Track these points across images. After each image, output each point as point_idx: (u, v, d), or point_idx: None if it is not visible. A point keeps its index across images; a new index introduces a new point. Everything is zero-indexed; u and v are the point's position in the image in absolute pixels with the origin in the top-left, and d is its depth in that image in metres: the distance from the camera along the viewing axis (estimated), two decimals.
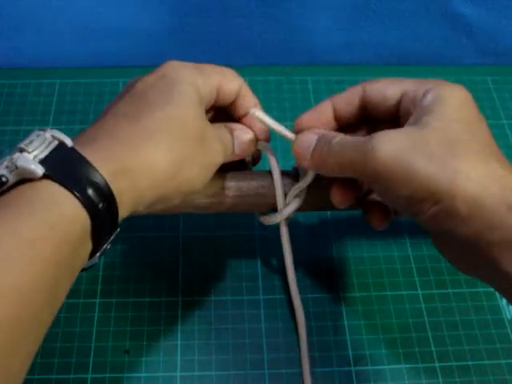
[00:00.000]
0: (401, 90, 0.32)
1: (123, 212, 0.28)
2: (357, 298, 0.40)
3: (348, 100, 0.34)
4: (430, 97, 0.30)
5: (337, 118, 0.34)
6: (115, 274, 0.41)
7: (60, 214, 0.24)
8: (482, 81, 0.54)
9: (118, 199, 0.27)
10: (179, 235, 0.43)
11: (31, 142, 0.26)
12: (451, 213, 0.27)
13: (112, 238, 0.28)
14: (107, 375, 0.36)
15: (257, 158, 0.38)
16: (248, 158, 0.38)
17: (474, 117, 0.30)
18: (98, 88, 0.52)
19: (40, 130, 0.27)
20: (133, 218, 0.42)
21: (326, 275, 0.41)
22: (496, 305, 0.40)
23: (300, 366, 0.37)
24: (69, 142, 0.27)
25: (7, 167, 0.25)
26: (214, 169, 0.32)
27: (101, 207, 0.26)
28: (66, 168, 0.25)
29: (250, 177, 0.37)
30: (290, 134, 0.34)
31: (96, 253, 0.27)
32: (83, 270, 0.28)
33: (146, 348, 0.38)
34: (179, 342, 0.38)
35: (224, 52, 0.54)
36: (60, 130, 0.27)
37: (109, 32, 0.52)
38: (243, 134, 0.35)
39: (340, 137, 0.31)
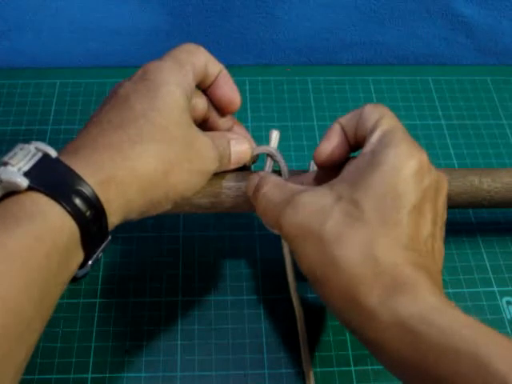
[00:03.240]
0: (378, 116, 0.31)
1: (113, 220, 0.28)
2: None
3: (353, 121, 0.32)
4: (375, 135, 0.30)
5: (349, 139, 0.33)
6: (115, 273, 0.41)
7: (46, 223, 0.24)
8: (482, 81, 0.54)
9: (106, 208, 0.26)
10: (179, 235, 0.43)
11: (15, 155, 0.26)
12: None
13: (103, 246, 0.28)
14: (107, 375, 0.36)
15: (255, 158, 0.38)
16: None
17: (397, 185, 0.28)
18: (98, 88, 0.52)
19: (24, 143, 0.27)
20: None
21: None
22: (496, 305, 0.40)
23: (300, 365, 0.37)
24: (53, 152, 0.27)
25: None
26: (206, 176, 0.32)
27: (88, 215, 0.26)
28: (50, 178, 0.25)
29: (249, 177, 0.37)
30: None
31: (87, 261, 0.27)
32: (77, 279, 0.29)
33: (146, 348, 0.38)
34: (179, 342, 0.38)
35: (224, 52, 0.54)
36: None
37: (109, 32, 0.52)
38: (239, 144, 0.35)
39: (268, 187, 0.31)
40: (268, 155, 0.36)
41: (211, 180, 0.36)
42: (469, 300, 0.41)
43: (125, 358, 0.37)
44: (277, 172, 0.37)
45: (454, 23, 0.53)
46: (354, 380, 0.37)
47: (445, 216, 0.31)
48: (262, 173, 0.34)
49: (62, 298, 0.39)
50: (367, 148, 0.30)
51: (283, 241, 0.38)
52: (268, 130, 0.38)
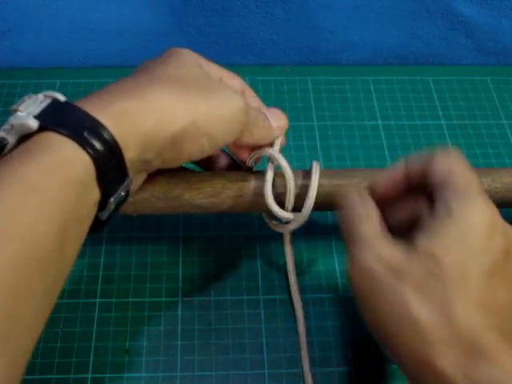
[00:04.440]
0: (445, 174, 0.29)
1: (130, 155, 0.27)
2: None
3: (419, 165, 0.30)
4: (441, 211, 0.27)
5: (412, 180, 0.31)
6: (115, 274, 0.41)
7: (59, 157, 0.25)
8: (482, 81, 0.54)
9: (121, 141, 0.26)
10: (179, 235, 0.43)
11: (23, 102, 0.27)
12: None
13: (125, 185, 0.28)
14: (107, 375, 0.37)
15: (257, 159, 0.38)
16: (250, 161, 0.38)
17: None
18: (97, 88, 0.52)
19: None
20: (133, 218, 0.42)
21: (326, 275, 0.41)
22: None
23: (300, 365, 0.37)
24: (61, 97, 0.28)
25: (5, 130, 0.26)
26: (232, 125, 0.31)
27: (101, 149, 0.26)
28: (61, 118, 0.26)
29: (249, 177, 0.37)
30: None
31: (108, 199, 0.27)
32: (104, 223, 0.29)
33: (146, 348, 0.38)
34: (179, 342, 0.38)
35: (224, 52, 0.54)
36: None
37: (109, 32, 0.52)
38: (280, 113, 0.36)
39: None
40: (270, 158, 0.36)
41: (211, 180, 0.36)
42: None
43: (125, 357, 0.37)
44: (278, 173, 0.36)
45: (454, 23, 0.53)
46: (354, 380, 0.37)
47: None
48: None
49: (61, 298, 0.39)
50: (441, 203, 0.28)
51: (285, 240, 0.38)
52: None
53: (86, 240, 0.27)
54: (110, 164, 0.26)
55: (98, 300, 0.40)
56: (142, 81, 0.29)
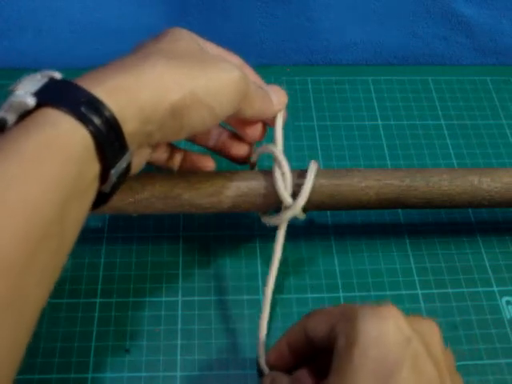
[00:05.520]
0: (328, 324, 0.29)
1: (129, 127, 0.28)
2: (356, 298, 0.40)
3: (296, 337, 0.31)
4: (341, 339, 0.27)
5: (293, 353, 0.32)
6: (115, 273, 0.41)
7: (56, 132, 0.25)
8: (482, 81, 0.54)
9: (118, 114, 0.27)
10: (179, 235, 0.43)
11: (20, 82, 0.27)
12: None
13: (125, 157, 0.28)
14: (107, 375, 0.37)
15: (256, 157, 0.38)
16: (253, 159, 0.38)
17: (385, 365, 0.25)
18: None
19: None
20: (133, 219, 0.42)
21: (325, 275, 0.41)
22: (496, 305, 0.40)
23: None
24: (58, 75, 0.28)
25: (4, 109, 0.26)
26: (230, 94, 0.31)
27: (98, 122, 0.26)
28: (58, 95, 0.26)
29: (250, 177, 0.37)
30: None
31: (108, 172, 0.28)
32: (106, 197, 0.29)
33: (146, 348, 0.38)
34: (179, 342, 0.38)
35: None
36: None
37: (109, 32, 0.52)
38: (279, 89, 0.37)
39: None
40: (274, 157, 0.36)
41: (211, 180, 0.36)
42: (468, 300, 0.41)
43: (125, 357, 0.37)
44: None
45: (454, 23, 0.53)
46: None
47: (450, 360, 0.29)
48: (274, 373, 0.32)
49: (61, 297, 0.39)
50: (335, 355, 0.27)
51: (278, 233, 0.37)
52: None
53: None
54: (108, 137, 0.27)
55: (98, 300, 0.40)
56: (138, 56, 0.30)
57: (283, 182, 0.36)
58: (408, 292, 0.41)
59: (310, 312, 0.31)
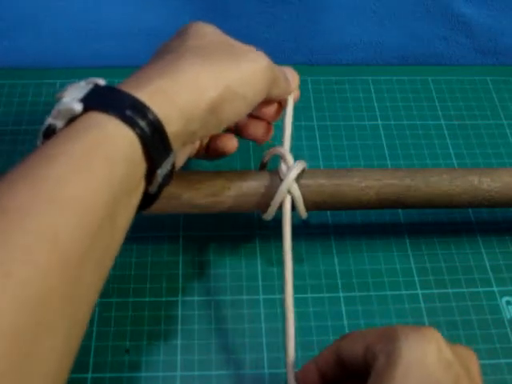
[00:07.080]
0: (364, 344, 0.28)
1: (173, 128, 0.28)
2: (356, 298, 0.40)
3: (327, 360, 0.30)
4: (381, 359, 0.26)
5: (322, 377, 0.31)
6: (115, 274, 0.41)
7: (103, 134, 0.26)
8: (482, 81, 0.54)
9: (161, 116, 0.28)
10: (179, 235, 0.43)
11: (66, 90, 0.28)
12: None
13: (170, 158, 0.29)
14: (107, 375, 0.37)
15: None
16: (265, 159, 0.39)
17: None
18: None
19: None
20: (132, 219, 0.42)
21: (325, 275, 0.41)
22: (496, 305, 0.40)
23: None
24: (102, 82, 0.29)
25: (53, 116, 0.27)
26: (260, 73, 0.33)
27: (142, 124, 0.27)
28: (103, 100, 0.27)
29: (250, 177, 0.37)
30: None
31: (155, 172, 0.28)
32: (153, 198, 0.30)
33: (146, 348, 0.38)
34: (179, 342, 0.38)
35: None
36: None
37: (109, 32, 0.52)
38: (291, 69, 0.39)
39: None
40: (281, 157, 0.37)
41: (211, 180, 0.36)
42: (469, 300, 0.41)
43: (125, 357, 0.37)
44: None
45: (454, 23, 0.53)
46: None
47: None
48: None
49: None
50: (373, 374, 0.27)
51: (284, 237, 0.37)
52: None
53: None
54: (153, 139, 0.27)
55: (98, 300, 0.39)
56: (172, 57, 0.31)
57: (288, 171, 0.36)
58: (408, 292, 0.41)
59: (342, 335, 0.30)
